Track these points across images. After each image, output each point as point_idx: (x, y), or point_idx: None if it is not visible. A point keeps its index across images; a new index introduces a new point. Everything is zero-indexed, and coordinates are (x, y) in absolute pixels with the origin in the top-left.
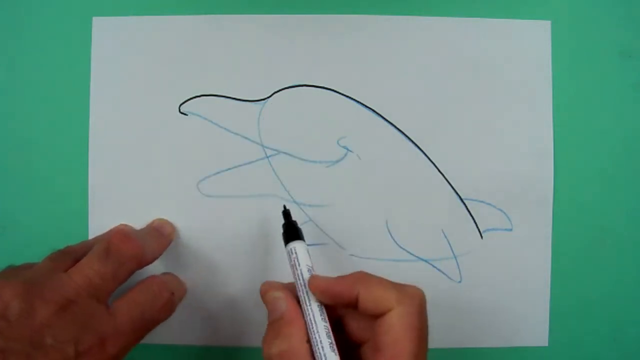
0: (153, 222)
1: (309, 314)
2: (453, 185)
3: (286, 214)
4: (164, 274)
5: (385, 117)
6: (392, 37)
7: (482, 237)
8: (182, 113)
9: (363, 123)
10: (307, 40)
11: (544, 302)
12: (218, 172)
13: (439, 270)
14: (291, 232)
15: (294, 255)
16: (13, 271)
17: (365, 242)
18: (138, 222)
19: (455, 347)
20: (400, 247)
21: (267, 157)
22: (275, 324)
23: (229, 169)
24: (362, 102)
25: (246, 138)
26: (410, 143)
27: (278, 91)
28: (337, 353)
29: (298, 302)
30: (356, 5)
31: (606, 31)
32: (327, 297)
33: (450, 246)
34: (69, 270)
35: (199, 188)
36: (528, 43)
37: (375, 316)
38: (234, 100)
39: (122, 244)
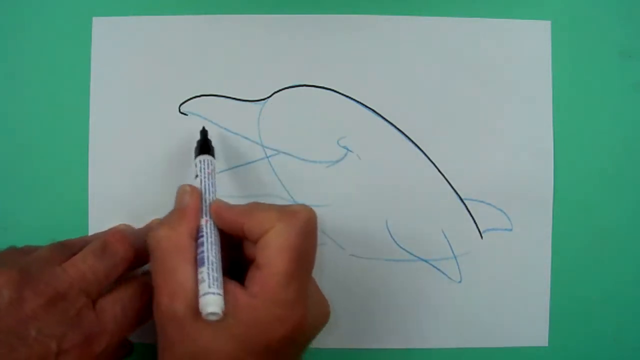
0: (152, 222)
1: (205, 223)
2: (453, 185)
3: (204, 132)
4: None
5: (385, 117)
6: (392, 37)
7: (482, 237)
8: (182, 113)
9: (363, 123)
10: (307, 40)
11: (544, 302)
12: (218, 172)
13: (439, 270)
14: (205, 147)
15: (203, 165)
16: (12, 255)
17: (365, 242)
18: (138, 222)
19: (455, 347)
20: (400, 247)
21: (267, 157)
22: (173, 212)
23: (229, 169)
24: (362, 102)
25: (246, 138)
26: (410, 143)
27: (278, 91)
28: (220, 260)
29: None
30: (356, 5)
31: (606, 31)
32: (218, 221)
33: (450, 246)
34: (64, 264)
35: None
36: (528, 43)
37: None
38: (234, 100)
39: (118, 244)
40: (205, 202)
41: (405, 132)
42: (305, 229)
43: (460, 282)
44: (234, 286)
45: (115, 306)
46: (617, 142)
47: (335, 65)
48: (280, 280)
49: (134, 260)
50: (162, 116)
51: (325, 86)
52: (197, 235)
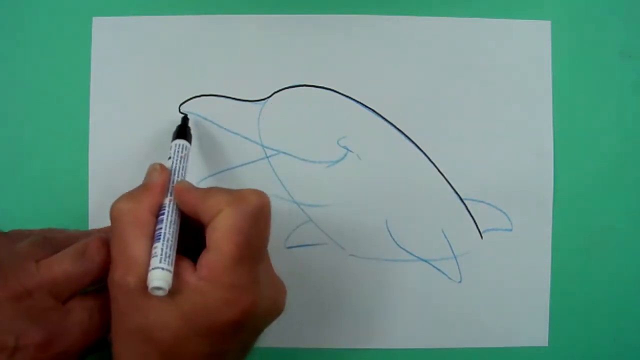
0: None
1: (169, 202)
2: (453, 185)
3: (185, 119)
4: None
5: (385, 117)
6: (392, 37)
7: (482, 237)
8: (182, 113)
9: (363, 123)
10: (307, 40)
11: (544, 302)
12: (218, 172)
13: (439, 270)
14: (182, 133)
15: (177, 149)
16: None
17: (365, 242)
18: None
19: (455, 347)
20: (400, 247)
21: (267, 157)
22: (139, 186)
23: (229, 169)
24: (362, 102)
25: (246, 138)
26: (410, 143)
27: (278, 91)
28: (177, 239)
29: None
30: (356, 5)
31: (606, 31)
32: (179, 203)
33: (450, 246)
34: (39, 262)
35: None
36: (528, 43)
37: None
38: (234, 100)
39: (96, 251)
40: (173, 182)
41: (405, 132)
42: (254, 214)
43: (460, 282)
44: (186, 266)
45: (84, 312)
46: (617, 142)
47: (335, 65)
48: (227, 264)
49: None
50: (162, 116)
51: (325, 86)
52: (158, 212)
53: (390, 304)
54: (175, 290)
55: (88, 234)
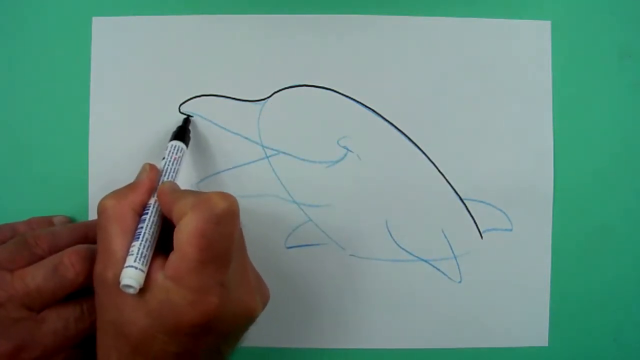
0: None
1: (154, 202)
2: (453, 185)
3: (186, 120)
4: None
5: (385, 117)
6: (392, 37)
7: (482, 237)
8: (182, 113)
9: (363, 123)
10: (307, 40)
11: (544, 302)
12: (218, 172)
13: (439, 270)
14: (182, 134)
15: (172, 150)
16: None
17: (365, 242)
18: None
19: (455, 347)
20: (400, 247)
21: (267, 157)
22: (127, 185)
23: (229, 169)
24: (362, 102)
25: (246, 138)
26: (410, 143)
27: (278, 91)
28: (156, 240)
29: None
30: (356, 5)
31: (606, 31)
32: (160, 204)
33: (450, 246)
34: (14, 273)
35: (199, 188)
36: (528, 43)
37: None
38: (234, 100)
39: (71, 268)
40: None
41: (405, 132)
42: (218, 218)
43: (460, 282)
44: (157, 264)
45: (59, 321)
46: (617, 141)
47: (335, 65)
48: (189, 266)
49: (90, 281)
50: (162, 116)
51: (325, 86)
52: (142, 211)
53: (390, 304)
54: (145, 287)
55: (74, 228)
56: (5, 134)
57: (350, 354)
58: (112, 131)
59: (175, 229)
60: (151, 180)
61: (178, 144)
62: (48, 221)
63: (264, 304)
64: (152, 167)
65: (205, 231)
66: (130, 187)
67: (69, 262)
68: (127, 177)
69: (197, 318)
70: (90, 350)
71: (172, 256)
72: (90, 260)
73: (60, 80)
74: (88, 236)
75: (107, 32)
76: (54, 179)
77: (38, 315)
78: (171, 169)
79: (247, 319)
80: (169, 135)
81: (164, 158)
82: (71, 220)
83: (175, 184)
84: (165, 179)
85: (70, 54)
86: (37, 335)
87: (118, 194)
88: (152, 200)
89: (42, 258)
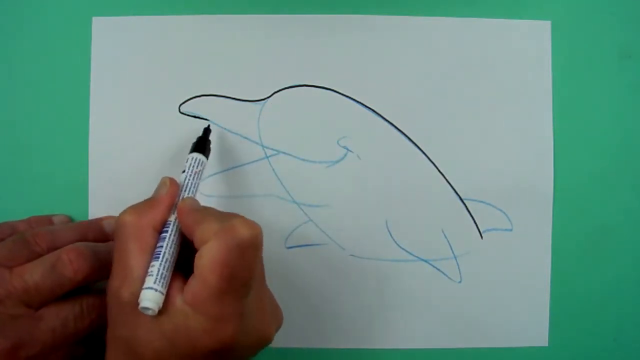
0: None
1: (174, 220)
2: (453, 185)
3: (206, 131)
4: (102, 294)
5: (385, 117)
6: (392, 37)
7: (482, 237)
8: (182, 113)
9: (363, 123)
10: (307, 40)
11: (544, 302)
12: (218, 172)
13: (439, 270)
14: (202, 145)
15: (192, 163)
16: None
17: (365, 242)
18: None
19: (455, 347)
20: (400, 247)
21: (267, 157)
22: (145, 200)
23: (229, 169)
24: (362, 102)
25: (246, 138)
26: (410, 143)
27: (278, 91)
28: (175, 260)
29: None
30: (356, 5)
31: (606, 31)
32: (180, 222)
33: (450, 246)
34: (13, 269)
35: (199, 188)
36: (528, 43)
37: None
38: (234, 100)
39: (69, 265)
40: (182, 198)
41: (405, 132)
42: (242, 247)
43: (460, 282)
44: (176, 287)
45: (57, 320)
46: (617, 141)
47: (335, 65)
48: (209, 294)
49: (88, 279)
50: (162, 116)
51: (325, 86)
52: (162, 228)
53: (390, 304)
54: (162, 309)
55: (73, 227)
56: (5, 134)
57: (350, 354)
58: (112, 131)
59: (197, 254)
60: (171, 196)
61: (199, 156)
62: (48, 220)
63: (278, 329)
64: (173, 181)
65: (229, 260)
66: (150, 204)
67: (67, 260)
68: (127, 177)
69: (212, 345)
70: (92, 348)
71: (192, 281)
72: (89, 258)
73: (60, 80)
74: (88, 235)
75: (107, 32)
76: (54, 179)
77: (36, 312)
78: (191, 183)
79: (261, 346)
80: (169, 135)
81: (183, 171)
82: (71, 219)
83: (196, 200)
84: (186, 194)
85: (70, 54)
86: (35, 333)
87: (138, 210)
88: (172, 218)
89: (41, 256)
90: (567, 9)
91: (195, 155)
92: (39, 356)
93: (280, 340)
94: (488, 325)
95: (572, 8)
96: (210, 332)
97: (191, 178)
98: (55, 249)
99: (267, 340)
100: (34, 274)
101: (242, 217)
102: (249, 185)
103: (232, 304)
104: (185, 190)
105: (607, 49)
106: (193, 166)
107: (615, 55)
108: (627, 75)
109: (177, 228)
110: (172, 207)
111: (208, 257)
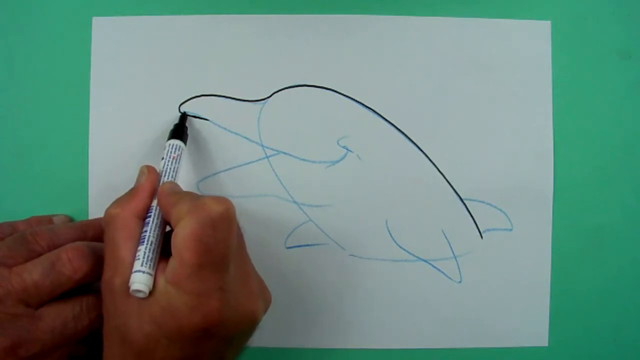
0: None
1: (155, 205)
2: (453, 185)
3: (182, 117)
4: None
5: (385, 117)
6: (392, 37)
7: (482, 237)
8: (182, 113)
9: (363, 123)
10: (307, 40)
11: (544, 302)
12: (218, 172)
13: (439, 270)
14: (179, 132)
15: (170, 149)
16: None
17: (365, 242)
18: None
19: (455, 347)
20: (400, 247)
21: (267, 157)
22: (128, 191)
23: (229, 169)
24: (362, 102)
25: (246, 138)
26: (410, 143)
27: (278, 91)
28: (160, 240)
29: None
30: (356, 5)
31: (605, 31)
32: (159, 206)
33: (450, 246)
34: (12, 268)
35: (199, 188)
36: (528, 43)
37: None
38: (234, 100)
39: (69, 264)
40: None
41: (405, 132)
42: (214, 222)
43: (460, 282)
44: (160, 270)
45: (57, 319)
46: (617, 141)
47: (335, 65)
48: (187, 271)
49: (88, 278)
50: (162, 116)
51: (325, 86)
52: (145, 214)
53: (390, 304)
54: (150, 293)
55: (73, 226)
56: (6, 134)
57: (350, 354)
58: (112, 131)
59: (173, 234)
60: (151, 182)
61: (176, 142)
62: (48, 220)
63: (266, 308)
64: (151, 169)
65: (202, 236)
66: (131, 193)
67: (67, 259)
68: (127, 177)
69: (198, 322)
70: (94, 347)
71: (172, 261)
72: (89, 257)
73: (60, 80)
74: (88, 234)
75: (107, 32)
76: (54, 179)
77: (36, 311)
78: (170, 168)
79: (249, 323)
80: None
81: (163, 158)
82: (72, 219)
83: (176, 184)
84: (165, 179)
85: (70, 54)
86: (34, 332)
87: (121, 201)
88: (154, 203)
89: (40, 255)
90: (567, 9)
91: (172, 141)
92: (39, 355)
93: (280, 340)
94: (488, 325)
95: (572, 8)
96: (195, 309)
97: (169, 163)
98: (55, 248)
99: (254, 317)
100: (34, 273)
101: (214, 196)
102: (249, 185)
103: (211, 278)
104: (165, 176)
105: (607, 49)
106: (170, 152)
107: (615, 55)
108: (627, 75)
109: (159, 213)
110: (153, 193)
111: (181, 235)
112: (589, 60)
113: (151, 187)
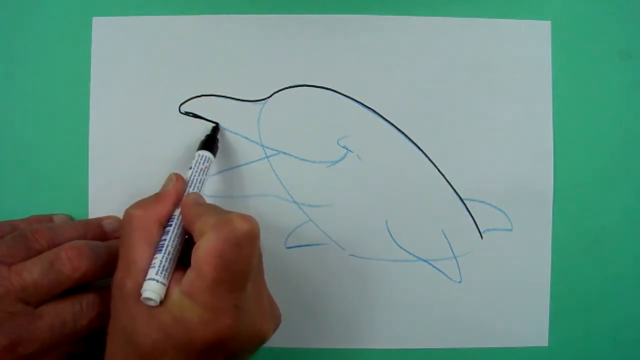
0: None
1: (178, 214)
2: (453, 185)
3: (215, 129)
4: (102, 292)
5: (385, 117)
6: (392, 37)
7: (482, 237)
8: (182, 113)
9: (363, 123)
10: (307, 40)
11: (544, 302)
12: (218, 172)
13: (439, 270)
14: (210, 143)
15: (199, 160)
16: None
17: (365, 242)
18: None
19: (455, 347)
20: (400, 247)
21: (267, 157)
22: (153, 195)
23: (229, 169)
24: (362, 102)
25: (246, 138)
26: (410, 143)
27: (278, 91)
28: (178, 250)
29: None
30: (356, 5)
31: (605, 31)
32: (183, 217)
33: (450, 246)
34: (12, 267)
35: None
36: (528, 43)
37: None
38: (234, 100)
39: (68, 263)
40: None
41: (405, 132)
42: (237, 240)
43: (460, 282)
44: (175, 280)
45: (56, 318)
46: (617, 141)
47: (335, 65)
48: (204, 285)
49: (88, 277)
50: (162, 116)
51: (325, 86)
52: (167, 221)
53: (390, 304)
54: (162, 302)
55: (73, 225)
56: (6, 134)
57: (350, 354)
58: (112, 131)
59: (194, 247)
60: (177, 191)
61: (206, 153)
62: (49, 220)
63: (276, 328)
64: (179, 177)
65: (224, 252)
66: (156, 198)
67: (66, 257)
68: (127, 176)
69: (209, 337)
70: (95, 346)
71: (189, 273)
72: (89, 256)
73: (60, 80)
74: (88, 233)
75: (107, 32)
76: (54, 178)
77: (35, 310)
78: (197, 179)
79: (258, 342)
80: (169, 135)
81: (190, 167)
82: (72, 219)
83: (200, 196)
84: (191, 190)
85: (70, 54)
86: (33, 330)
87: (145, 204)
88: (176, 212)
89: (40, 253)
90: (567, 9)
91: (203, 152)
92: (38, 353)
93: (279, 340)
94: (488, 325)
95: (572, 8)
96: (207, 324)
97: (197, 174)
98: (55, 246)
99: (263, 337)
100: (33, 271)
101: (240, 213)
102: (249, 185)
103: (227, 296)
104: (191, 186)
105: (606, 49)
106: (199, 163)
107: (615, 55)
108: (627, 75)
109: (180, 222)
110: (177, 202)
111: (204, 249)
112: (589, 61)
113: (177, 195)
